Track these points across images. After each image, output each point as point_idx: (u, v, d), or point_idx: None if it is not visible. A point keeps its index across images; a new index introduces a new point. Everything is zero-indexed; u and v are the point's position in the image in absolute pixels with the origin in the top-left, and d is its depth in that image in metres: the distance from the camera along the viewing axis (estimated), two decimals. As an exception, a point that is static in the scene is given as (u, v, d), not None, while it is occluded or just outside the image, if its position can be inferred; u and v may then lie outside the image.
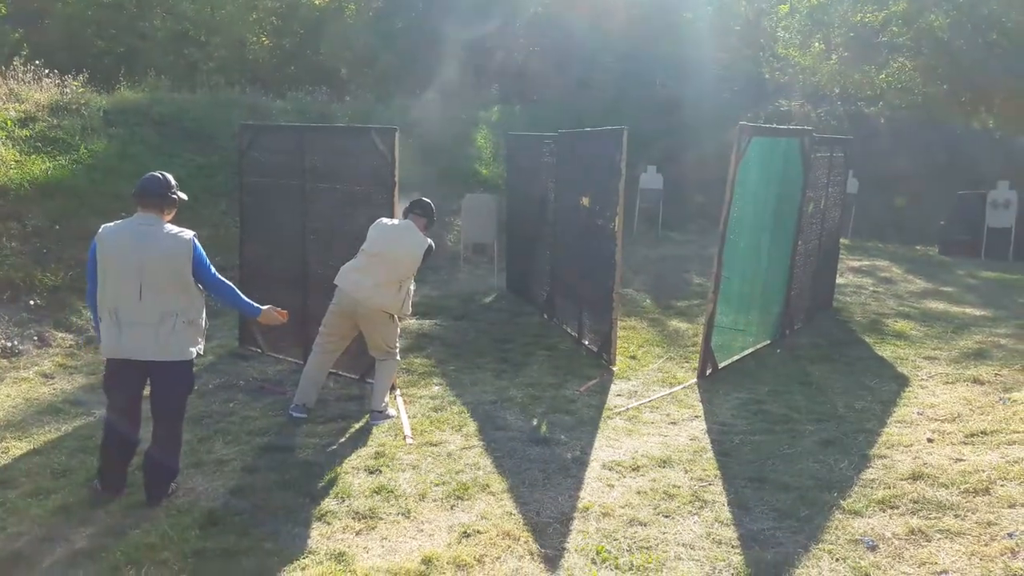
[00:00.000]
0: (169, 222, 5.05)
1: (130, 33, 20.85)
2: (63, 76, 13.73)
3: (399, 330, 6.85)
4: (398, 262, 6.47)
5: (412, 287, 6.73)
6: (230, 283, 5.19)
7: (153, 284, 4.83)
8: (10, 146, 10.96)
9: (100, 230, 4.96)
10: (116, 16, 20.84)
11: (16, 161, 10.66)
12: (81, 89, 13.58)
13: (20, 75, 13.21)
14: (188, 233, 5.00)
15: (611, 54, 25.29)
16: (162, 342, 4.87)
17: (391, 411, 6.77)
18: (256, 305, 5.26)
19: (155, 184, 5.02)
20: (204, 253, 5.03)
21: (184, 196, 5.22)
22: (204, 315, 5.14)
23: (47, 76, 13.43)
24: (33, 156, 10.97)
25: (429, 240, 6.64)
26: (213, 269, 5.09)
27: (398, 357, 6.89)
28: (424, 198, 6.87)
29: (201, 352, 5.19)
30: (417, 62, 22.95)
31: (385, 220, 6.76)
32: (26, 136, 11.33)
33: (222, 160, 13.03)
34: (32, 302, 8.87)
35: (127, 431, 5.12)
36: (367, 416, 6.68)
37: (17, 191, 10.16)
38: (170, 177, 5.12)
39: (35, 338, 8.44)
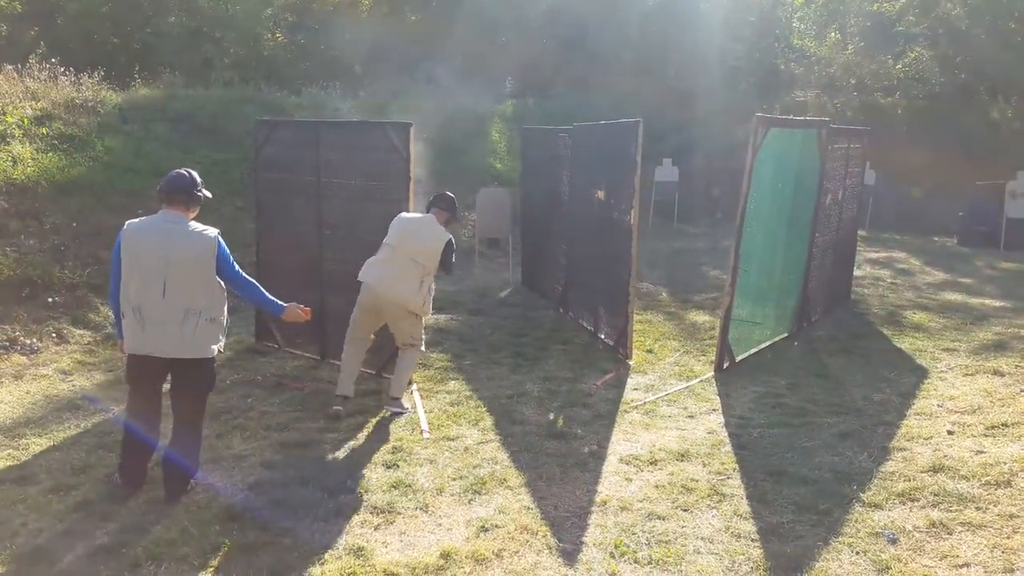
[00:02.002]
0: (193, 219, 5.07)
1: (145, 30, 20.91)
2: (79, 74, 13.81)
3: (423, 323, 6.91)
4: (418, 255, 6.51)
5: (433, 286, 6.76)
6: (254, 281, 5.21)
7: (177, 282, 4.85)
8: (27, 144, 11.03)
9: (125, 226, 4.97)
10: (131, 13, 20.90)
11: (33, 159, 10.73)
12: (97, 86, 13.64)
13: (36, 73, 13.28)
14: (212, 231, 5.02)
15: (625, 46, 25.19)
16: (185, 339, 4.89)
17: (406, 404, 6.80)
18: (280, 303, 5.27)
19: (181, 181, 5.05)
20: (228, 251, 5.06)
21: (209, 194, 5.26)
22: (226, 312, 5.15)
23: (63, 74, 13.51)
24: (50, 154, 11.04)
25: (449, 235, 6.66)
26: (237, 266, 5.11)
27: (423, 348, 6.98)
28: (448, 192, 6.93)
29: (221, 349, 5.21)
30: (431, 57, 22.93)
31: (406, 214, 6.84)
32: (43, 134, 11.40)
33: (237, 156, 13.08)
34: (50, 299, 8.93)
35: (147, 426, 5.15)
36: (384, 411, 6.69)
37: (34, 189, 10.23)
38: (196, 175, 5.16)
39: (53, 335, 8.49)
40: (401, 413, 6.63)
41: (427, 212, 6.85)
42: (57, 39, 19.36)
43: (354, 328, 6.76)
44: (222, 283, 5.05)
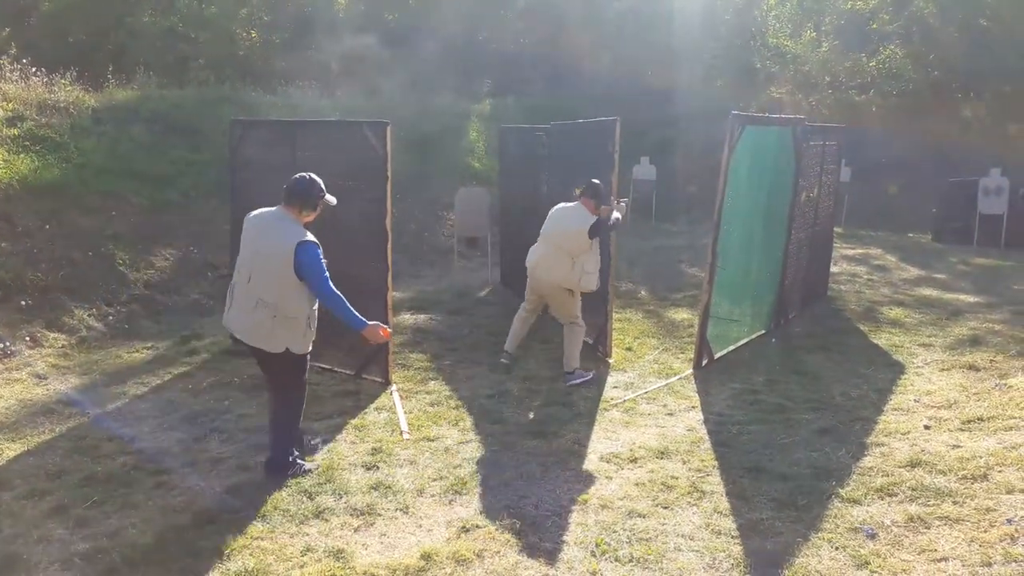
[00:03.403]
0: (306, 223, 5.19)
1: (119, 29, 20.70)
2: (51, 74, 13.64)
3: (580, 301, 7.48)
4: (561, 240, 7.19)
5: (589, 265, 7.22)
6: (339, 294, 5.14)
7: (258, 274, 5.09)
8: (-1, 145, 10.89)
9: (249, 214, 5.32)
10: (105, 12, 20.69)
11: (4, 161, 10.59)
12: (70, 87, 13.49)
13: (7, 74, 13.11)
14: (297, 239, 5.02)
15: (603, 45, 25.25)
16: (253, 327, 5.12)
17: (583, 372, 7.53)
18: (362, 319, 5.21)
19: (299, 185, 5.19)
20: (317, 261, 5.05)
21: (333, 200, 5.35)
22: (311, 316, 5.20)
23: (35, 74, 13.34)
24: (22, 155, 10.89)
25: (593, 219, 7.13)
26: (326, 276, 5.08)
27: (582, 323, 7.55)
28: (594, 180, 7.33)
29: (299, 351, 5.22)
30: (409, 56, 22.87)
31: (561, 204, 7.52)
32: (14, 135, 11.25)
33: (213, 156, 12.96)
34: (23, 302, 8.82)
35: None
36: (363, 413, 6.66)
37: (6, 191, 10.09)
38: (318, 181, 5.26)
39: (27, 338, 8.39)
40: (583, 381, 7.40)
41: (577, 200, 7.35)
42: (29, 39, 19.12)
43: (524, 304, 7.82)
44: (305, 287, 5.10)
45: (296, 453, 5.52)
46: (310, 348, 5.33)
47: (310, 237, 5.08)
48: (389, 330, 5.38)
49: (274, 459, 5.41)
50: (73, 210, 10.44)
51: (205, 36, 21.50)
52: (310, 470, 5.46)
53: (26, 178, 10.46)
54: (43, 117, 11.99)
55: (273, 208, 5.23)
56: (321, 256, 5.08)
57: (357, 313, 5.19)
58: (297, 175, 5.24)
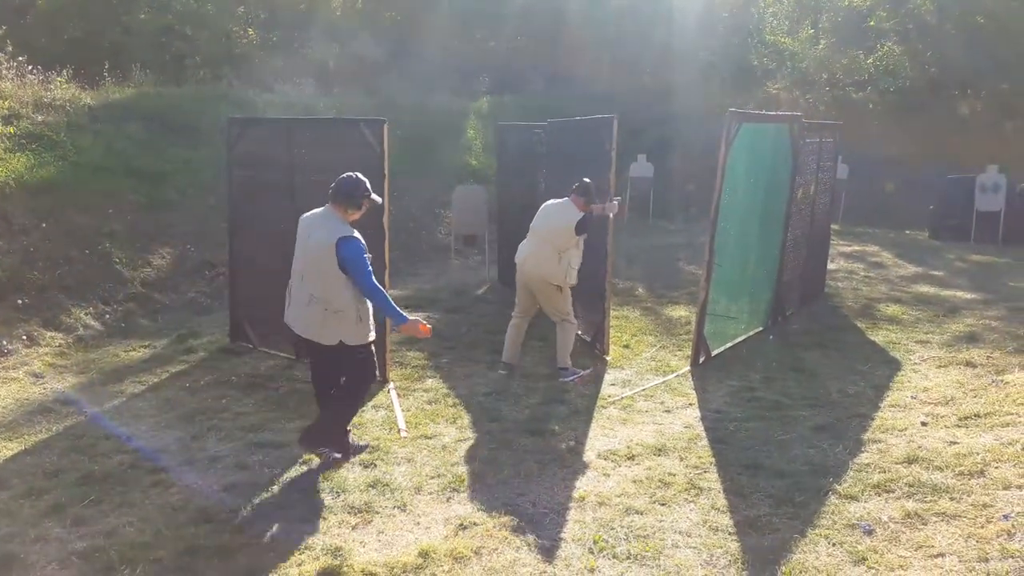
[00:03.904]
0: (352, 222, 5.36)
1: (115, 27, 20.65)
2: (47, 72, 13.61)
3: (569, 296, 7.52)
4: (549, 235, 7.30)
5: (575, 261, 7.34)
6: (381, 288, 5.32)
7: (308, 271, 5.33)
8: (-5, 144, 10.86)
9: (303, 214, 5.55)
10: (101, 10, 20.63)
11: (0, 159, 10.56)
12: (66, 85, 13.46)
13: (3, 71, 13.07)
14: (339, 234, 5.19)
15: (600, 43, 25.23)
16: (309, 322, 5.34)
17: (577, 369, 7.61)
18: (403, 313, 5.36)
19: (344, 185, 5.35)
20: (359, 256, 5.20)
21: (379, 199, 5.56)
22: (360, 309, 5.33)
23: (31, 72, 13.31)
24: (18, 153, 10.87)
25: (580, 215, 7.23)
26: (369, 271, 5.23)
27: (574, 320, 7.61)
28: (585, 179, 7.42)
29: (352, 342, 5.34)
30: (406, 53, 22.84)
31: (551, 200, 7.63)
32: (10, 133, 11.22)
33: (210, 154, 12.94)
34: (20, 301, 8.80)
35: (321, 394, 5.72)
36: (360, 411, 6.64)
37: (2, 189, 10.07)
38: (363, 180, 5.40)
39: (24, 337, 8.38)
40: (577, 378, 7.47)
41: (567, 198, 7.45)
42: (25, 37, 19.07)
43: (516, 304, 7.76)
44: (350, 281, 5.25)
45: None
46: (368, 340, 5.46)
47: (352, 233, 5.25)
48: (428, 326, 5.47)
49: (319, 430, 5.55)
50: (70, 208, 10.42)
51: (202, 34, 21.45)
52: (343, 460, 5.63)
53: (22, 176, 10.44)
54: (39, 115, 11.96)
55: (322, 208, 5.43)
56: (364, 251, 5.25)
57: (399, 308, 5.36)
58: (344, 175, 5.40)
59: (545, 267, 7.32)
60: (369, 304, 5.38)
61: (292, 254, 7.73)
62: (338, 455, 5.61)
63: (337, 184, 5.36)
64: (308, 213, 5.51)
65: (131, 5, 21.06)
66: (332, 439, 5.62)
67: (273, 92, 17.76)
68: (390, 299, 5.33)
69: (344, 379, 5.57)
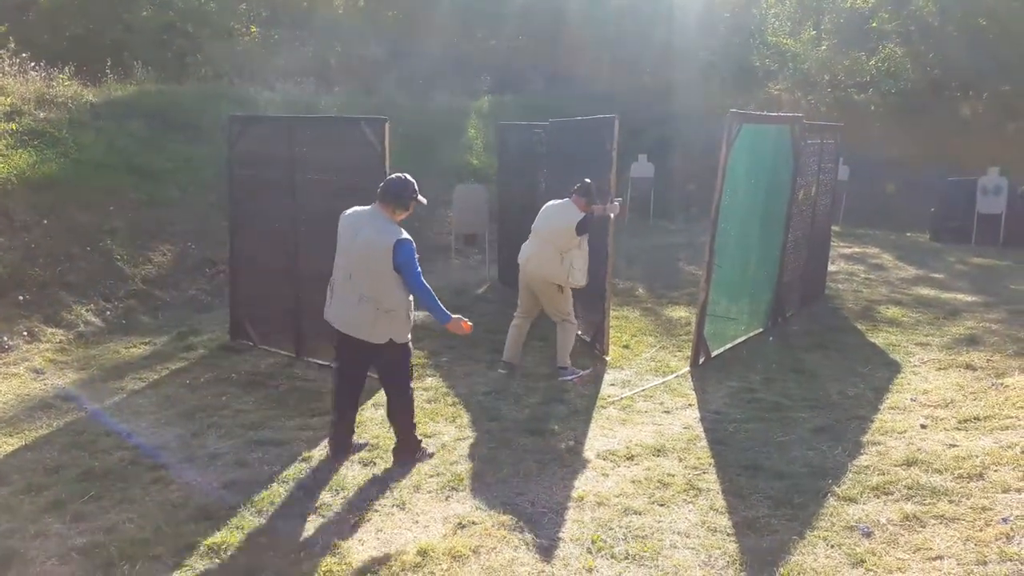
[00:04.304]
0: (400, 221, 5.36)
1: (117, 25, 20.64)
2: (50, 69, 13.62)
3: (571, 298, 7.57)
4: (549, 235, 7.32)
5: (578, 261, 7.34)
6: (428, 288, 5.36)
7: (357, 270, 5.31)
8: (-3, 140, 10.87)
9: (344, 212, 5.50)
10: (102, 7, 20.62)
11: (2, 155, 10.57)
12: (68, 82, 13.47)
13: (6, 68, 13.09)
14: (394, 237, 5.21)
15: (602, 43, 25.22)
16: (359, 321, 5.33)
17: (577, 369, 7.60)
18: (447, 312, 5.42)
19: (393, 185, 5.36)
20: (412, 258, 5.26)
21: (424, 200, 5.51)
22: (408, 307, 5.37)
23: (33, 69, 13.32)
24: (20, 150, 10.87)
25: (580, 215, 7.24)
26: (419, 271, 5.31)
27: (574, 320, 7.63)
28: (586, 179, 7.43)
29: (400, 340, 5.41)
30: (407, 52, 22.83)
31: (552, 201, 7.64)
32: (12, 130, 11.23)
33: (211, 152, 12.94)
34: (21, 297, 8.81)
35: (345, 399, 5.68)
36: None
37: (4, 186, 10.08)
38: (411, 181, 5.40)
39: (25, 333, 8.39)
40: (576, 378, 7.46)
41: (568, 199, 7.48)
42: (28, 34, 19.07)
43: (518, 304, 7.78)
44: (401, 280, 5.30)
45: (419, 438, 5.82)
46: (410, 337, 5.52)
47: (406, 235, 5.27)
48: (470, 324, 5.52)
49: (402, 445, 5.66)
50: (71, 205, 10.43)
51: (203, 32, 21.44)
52: (432, 454, 5.76)
53: (24, 173, 10.45)
54: (41, 112, 11.97)
55: (367, 207, 5.42)
56: (415, 252, 5.30)
57: (444, 307, 5.41)
58: (392, 175, 5.41)
59: (547, 268, 7.35)
60: (412, 301, 5.43)
61: (292, 252, 7.82)
62: (429, 452, 5.77)
63: (386, 184, 5.36)
64: (349, 211, 5.48)
65: (133, 3, 21.04)
66: (412, 444, 5.68)
67: (274, 90, 17.75)
68: (436, 299, 5.37)
69: (386, 379, 5.61)
